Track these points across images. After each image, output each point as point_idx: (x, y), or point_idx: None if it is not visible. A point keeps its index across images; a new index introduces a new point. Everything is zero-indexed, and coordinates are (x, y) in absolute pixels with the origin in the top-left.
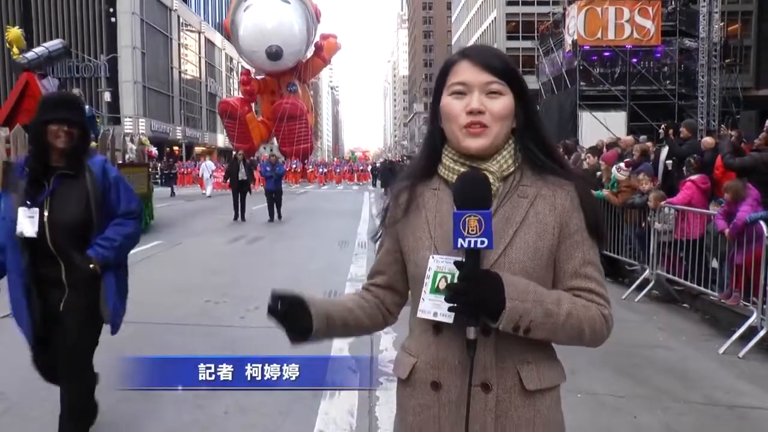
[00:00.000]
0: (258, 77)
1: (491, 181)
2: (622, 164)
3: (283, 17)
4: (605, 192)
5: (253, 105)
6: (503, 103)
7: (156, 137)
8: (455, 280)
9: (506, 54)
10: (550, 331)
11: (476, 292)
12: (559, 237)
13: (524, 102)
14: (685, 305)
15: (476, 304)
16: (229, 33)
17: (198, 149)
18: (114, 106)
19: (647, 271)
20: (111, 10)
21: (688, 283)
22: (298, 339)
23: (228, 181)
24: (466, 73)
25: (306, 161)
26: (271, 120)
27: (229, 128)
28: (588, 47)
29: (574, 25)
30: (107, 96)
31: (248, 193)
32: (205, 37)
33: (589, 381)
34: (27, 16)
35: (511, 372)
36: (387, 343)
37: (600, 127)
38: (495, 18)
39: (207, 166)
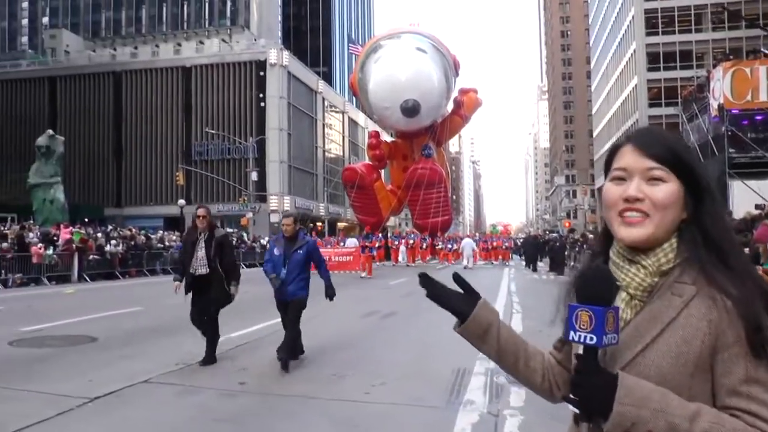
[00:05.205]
0: (388, 140)
1: (642, 276)
2: None
3: (420, 68)
4: (760, 270)
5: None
6: (666, 190)
7: (300, 213)
8: None
9: (678, 137)
10: None
11: (584, 387)
12: (713, 347)
13: (694, 191)
14: None
15: (582, 400)
16: (357, 89)
17: (341, 225)
18: (261, 184)
19: None
20: (261, 95)
21: None
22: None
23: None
24: (627, 157)
25: (442, 236)
26: (402, 188)
27: (355, 199)
28: (737, 111)
29: (720, 88)
30: (254, 175)
31: (221, 302)
32: (349, 117)
33: None
34: (188, 104)
35: None
36: (512, 426)
37: (754, 196)
38: (636, 85)
39: None
